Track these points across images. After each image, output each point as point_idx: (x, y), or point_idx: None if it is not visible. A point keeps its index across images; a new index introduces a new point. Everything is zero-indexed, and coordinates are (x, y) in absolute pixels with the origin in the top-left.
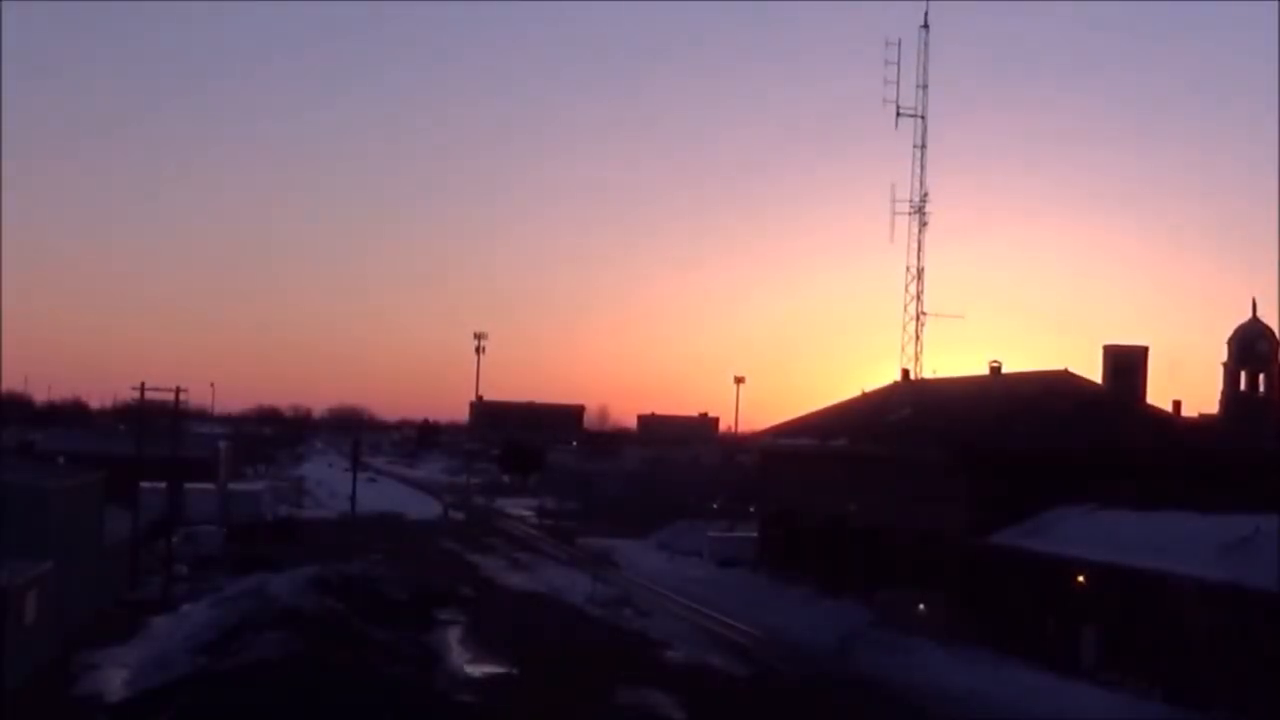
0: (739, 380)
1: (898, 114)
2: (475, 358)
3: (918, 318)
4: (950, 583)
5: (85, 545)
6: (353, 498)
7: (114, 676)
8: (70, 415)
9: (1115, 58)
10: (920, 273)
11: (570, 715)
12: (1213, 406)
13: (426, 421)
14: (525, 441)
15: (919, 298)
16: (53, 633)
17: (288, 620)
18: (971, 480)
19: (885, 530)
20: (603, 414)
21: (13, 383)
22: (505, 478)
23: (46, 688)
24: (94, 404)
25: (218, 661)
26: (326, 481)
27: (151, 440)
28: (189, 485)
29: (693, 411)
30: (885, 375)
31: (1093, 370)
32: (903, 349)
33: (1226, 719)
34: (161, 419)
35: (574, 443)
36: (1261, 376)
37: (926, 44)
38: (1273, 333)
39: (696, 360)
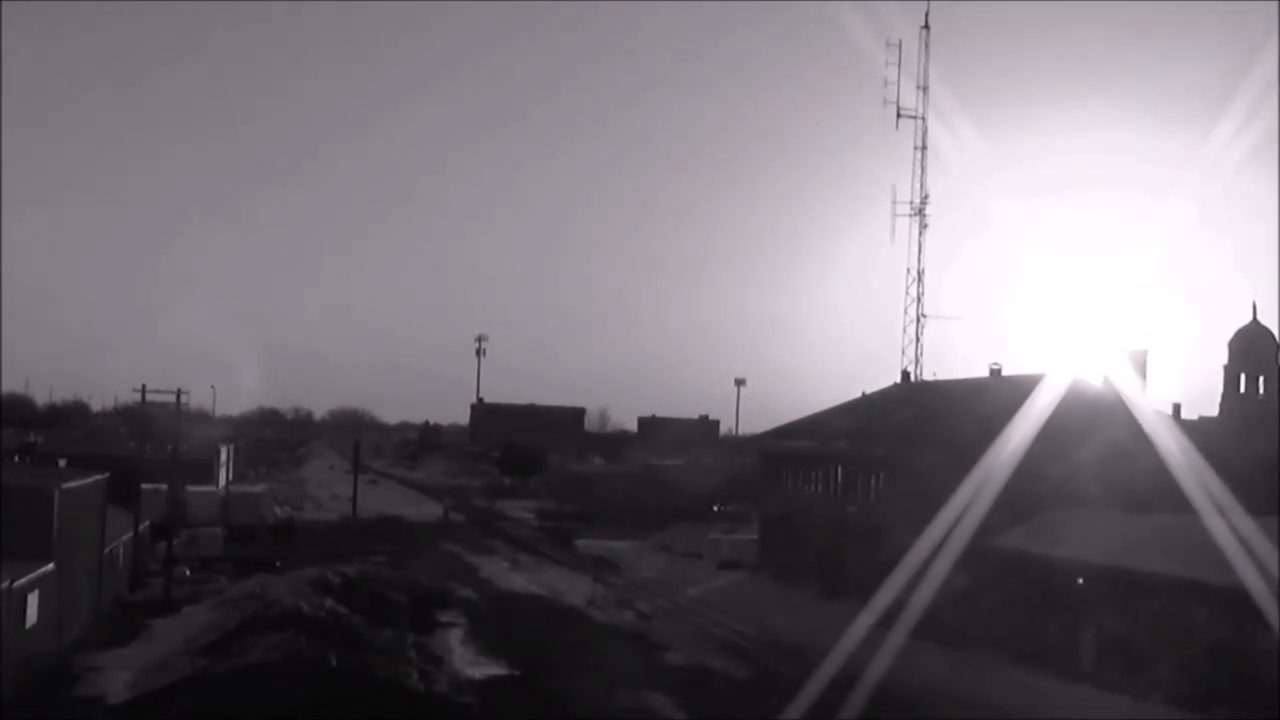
0: (739, 382)
1: (898, 115)
2: (476, 360)
3: (918, 320)
4: (951, 585)
5: (87, 547)
6: (354, 500)
7: (115, 678)
8: (72, 417)
9: (1116, 58)
10: (921, 274)
11: (571, 717)
12: (1213, 409)
13: (427, 424)
14: (526, 443)
15: (919, 299)
16: (55, 634)
17: (288, 622)
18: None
19: (886, 532)
20: (603, 416)
21: (14, 384)
22: (506, 480)
23: (48, 689)
24: (95, 406)
25: (219, 664)
26: (327, 483)
27: (153, 442)
28: (190, 487)
29: (693, 413)
30: (885, 377)
31: (1093, 373)
32: (903, 351)
33: None
34: (163, 421)
35: (575, 445)
36: (1261, 379)
37: (927, 44)
38: (1273, 335)
39: (697, 362)
